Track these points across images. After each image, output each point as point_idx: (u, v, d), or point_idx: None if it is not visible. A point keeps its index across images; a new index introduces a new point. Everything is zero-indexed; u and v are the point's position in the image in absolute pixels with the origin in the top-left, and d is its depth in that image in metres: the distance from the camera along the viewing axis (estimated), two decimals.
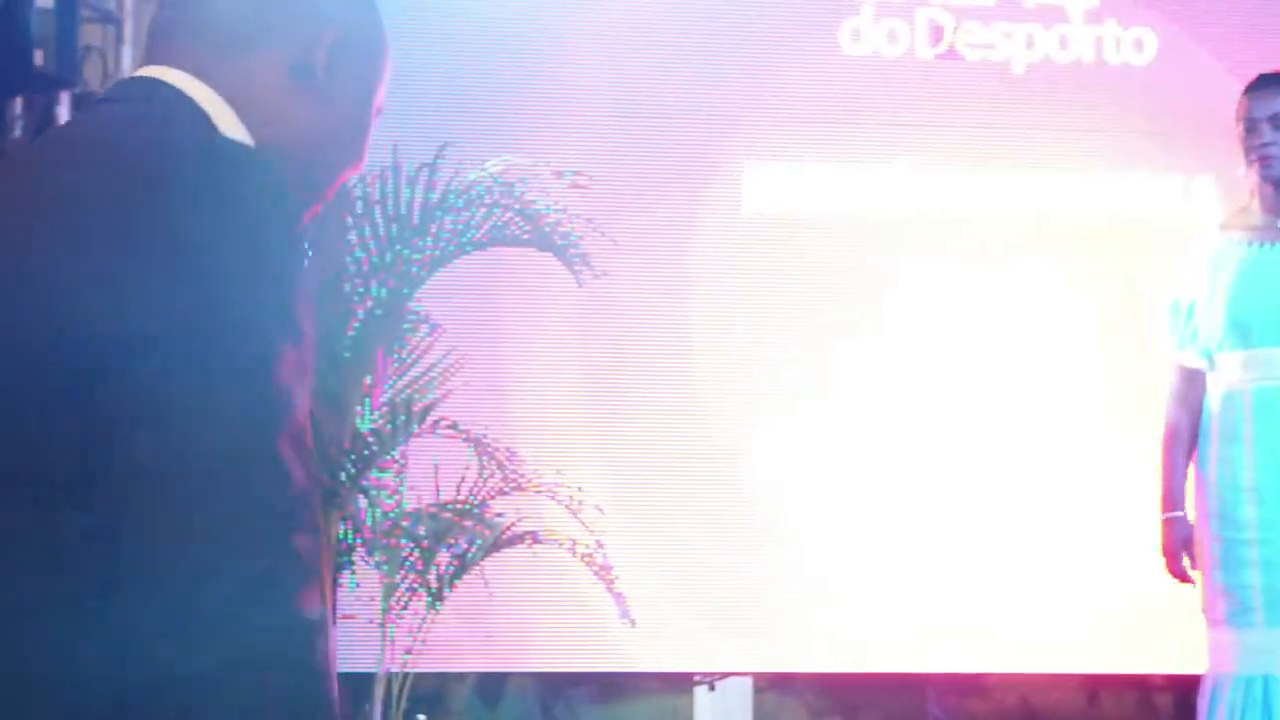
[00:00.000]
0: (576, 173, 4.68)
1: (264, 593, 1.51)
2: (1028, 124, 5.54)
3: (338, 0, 1.72)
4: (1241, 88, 4.19)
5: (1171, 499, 4.10)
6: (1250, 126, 4.07)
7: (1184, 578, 4.09)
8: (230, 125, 1.64)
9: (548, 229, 4.60)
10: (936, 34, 5.52)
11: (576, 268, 4.57)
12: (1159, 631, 5.27)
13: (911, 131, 5.48)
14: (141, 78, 1.67)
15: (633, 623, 4.82)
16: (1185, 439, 4.10)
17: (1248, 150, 4.08)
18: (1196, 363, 4.10)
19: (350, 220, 4.45)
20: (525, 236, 4.55)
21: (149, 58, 1.70)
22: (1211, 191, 5.52)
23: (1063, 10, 5.57)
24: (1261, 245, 4.05)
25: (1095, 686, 6.10)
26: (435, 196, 4.49)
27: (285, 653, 1.52)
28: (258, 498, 1.52)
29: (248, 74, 1.66)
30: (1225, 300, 4.03)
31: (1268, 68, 5.70)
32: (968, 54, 5.53)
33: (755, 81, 5.41)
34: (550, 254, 4.58)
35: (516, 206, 4.53)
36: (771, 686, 5.72)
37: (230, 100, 1.64)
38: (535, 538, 4.78)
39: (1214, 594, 4.02)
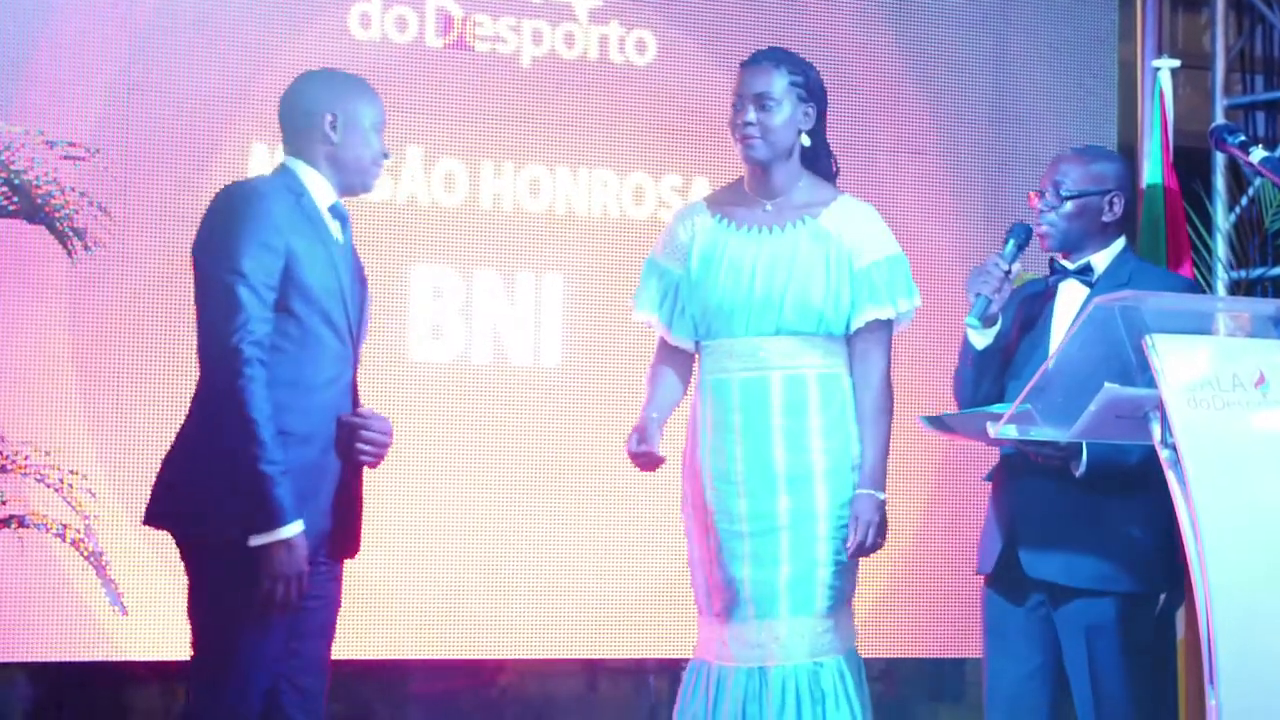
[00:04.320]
0: (71, 143, 4.55)
1: None
2: (534, 118, 5.64)
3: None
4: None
5: (650, 403, 4.03)
6: (738, 103, 3.98)
7: (647, 460, 3.95)
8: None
9: (44, 202, 4.45)
10: (447, 24, 5.57)
11: (69, 241, 4.44)
12: (653, 618, 5.45)
13: (421, 120, 5.51)
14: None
15: (124, 611, 4.70)
16: (668, 376, 4.07)
17: (733, 127, 3.99)
18: (685, 344, 4.07)
19: None
20: (12, 207, 4.39)
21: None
22: (707, 191, 5.74)
23: (570, 8, 5.70)
24: (750, 229, 4.01)
25: (594, 670, 6.25)
26: None
27: None
28: None
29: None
30: (713, 287, 3.99)
31: None
32: (477, 45, 5.59)
33: (262, 62, 5.34)
34: (41, 226, 4.44)
35: (3, 176, 4.36)
36: None
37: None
38: (21, 521, 4.61)
39: (711, 588, 4.00)
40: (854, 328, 3.98)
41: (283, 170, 3.63)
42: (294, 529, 3.42)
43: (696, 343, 4.07)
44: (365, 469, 3.61)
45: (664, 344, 4.11)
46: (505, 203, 5.63)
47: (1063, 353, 3.51)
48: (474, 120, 5.59)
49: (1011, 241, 4.03)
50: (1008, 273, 4.00)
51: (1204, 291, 5.24)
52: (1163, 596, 4.23)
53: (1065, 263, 4.15)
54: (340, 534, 3.60)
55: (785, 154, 3.99)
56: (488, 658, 5.74)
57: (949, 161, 6.06)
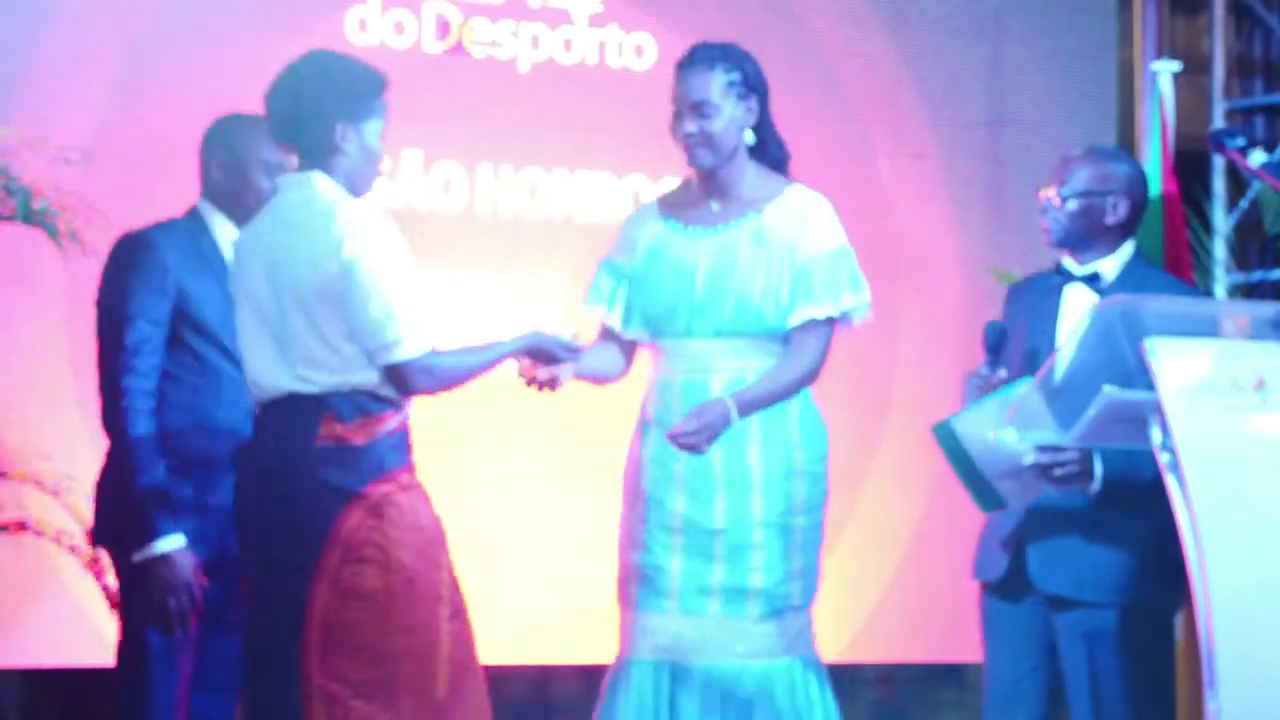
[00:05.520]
0: (68, 147, 4.55)
1: None
2: (532, 122, 5.64)
3: None
4: None
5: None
6: (677, 111, 3.89)
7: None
8: None
9: (41, 205, 4.45)
10: (444, 28, 5.57)
11: (66, 245, 4.44)
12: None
13: (417, 125, 5.51)
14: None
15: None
16: (600, 345, 3.98)
17: (675, 136, 3.90)
18: (640, 337, 3.98)
19: None
20: (8, 212, 4.39)
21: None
22: None
23: (567, 13, 5.70)
24: (695, 228, 3.94)
25: (591, 676, 6.23)
26: None
27: None
28: None
29: None
30: (658, 289, 3.91)
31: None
32: (475, 50, 5.59)
33: (260, 66, 5.32)
34: (37, 229, 4.44)
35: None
36: None
37: None
38: (21, 526, 4.61)
39: (630, 576, 3.92)
40: (789, 325, 3.86)
41: (190, 212, 3.96)
42: (170, 543, 3.70)
43: (651, 342, 3.98)
44: None
45: (608, 330, 4.00)
46: (504, 207, 5.62)
47: (1064, 356, 3.51)
48: (472, 125, 5.59)
49: (989, 351, 4.03)
50: (996, 379, 3.97)
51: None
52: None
53: (1072, 266, 4.14)
54: None
55: (729, 156, 3.90)
56: (487, 664, 5.72)
57: (950, 164, 6.05)
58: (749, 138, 3.92)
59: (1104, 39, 6.28)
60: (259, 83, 5.29)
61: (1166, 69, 5.93)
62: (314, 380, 3.40)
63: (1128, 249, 4.14)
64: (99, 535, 3.88)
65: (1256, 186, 6.19)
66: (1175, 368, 3.34)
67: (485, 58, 5.61)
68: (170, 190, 5.16)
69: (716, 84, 3.87)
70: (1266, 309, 3.65)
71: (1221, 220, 6.29)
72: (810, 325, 3.86)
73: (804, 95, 5.81)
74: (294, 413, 3.40)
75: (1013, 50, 6.14)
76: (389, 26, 5.51)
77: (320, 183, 3.49)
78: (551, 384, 3.80)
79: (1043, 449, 3.82)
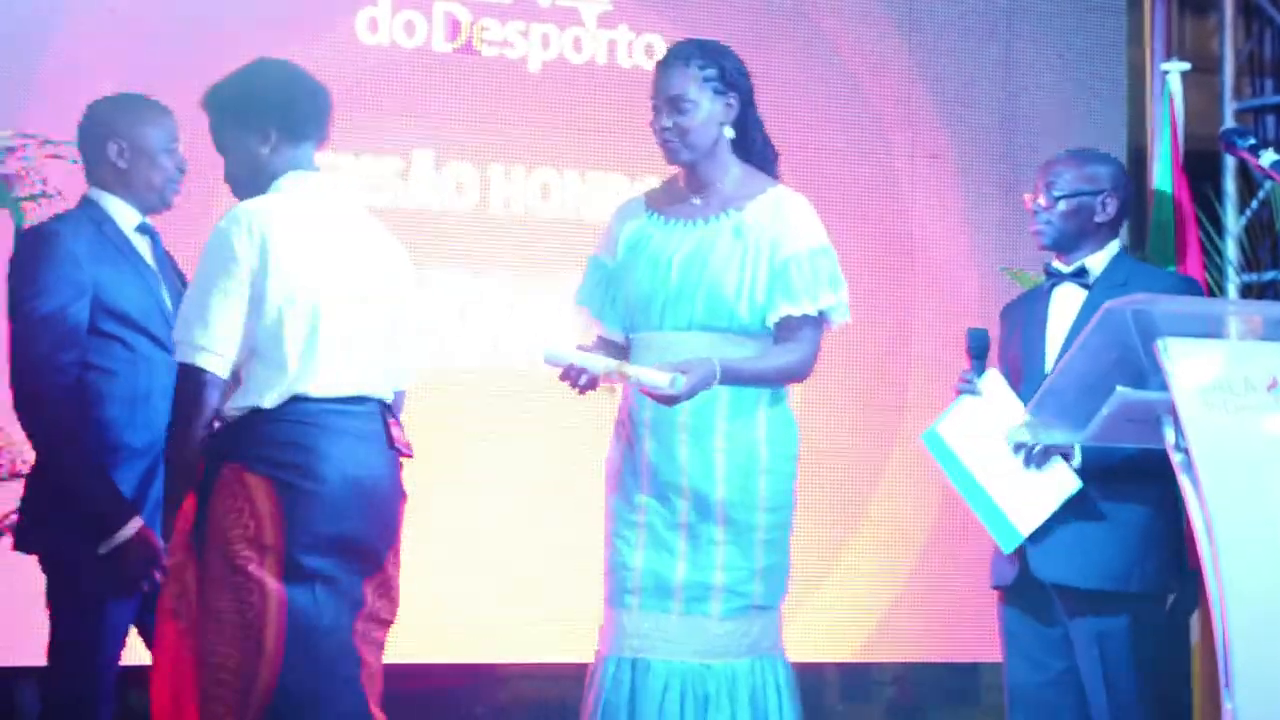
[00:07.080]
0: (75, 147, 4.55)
1: None
2: (544, 122, 5.64)
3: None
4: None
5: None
6: (655, 106, 3.89)
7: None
8: None
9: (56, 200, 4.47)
10: (454, 28, 5.57)
11: None
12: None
13: (426, 124, 5.51)
14: None
15: None
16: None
17: (654, 131, 3.91)
18: (618, 338, 3.97)
19: None
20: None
21: None
22: None
23: (577, 12, 5.70)
24: (675, 222, 3.92)
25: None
26: None
27: None
28: None
29: None
30: (634, 279, 3.90)
31: (771, 75, 5.98)
32: (484, 50, 5.60)
33: None
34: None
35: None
36: None
37: None
38: None
39: (607, 572, 3.92)
40: (769, 323, 3.85)
41: (85, 202, 3.83)
42: (133, 526, 3.67)
43: (628, 338, 3.96)
44: None
45: (599, 340, 3.99)
46: (516, 207, 5.63)
47: (1074, 356, 3.51)
48: (484, 125, 5.60)
49: (972, 358, 4.11)
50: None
51: (1204, 291, 5.25)
52: (1171, 597, 4.24)
53: (1060, 266, 4.20)
54: None
55: (708, 151, 3.88)
56: (497, 662, 5.73)
57: (964, 165, 6.06)
58: (729, 134, 3.90)
59: (1114, 39, 6.28)
60: None
61: (1176, 69, 5.92)
62: (389, 392, 3.47)
63: (1114, 246, 4.20)
64: (27, 541, 3.82)
65: (1268, 186, 6.19)
66: (1189, 367, 3.34)
67: (495, 57, 5.61)
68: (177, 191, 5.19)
69: (693, 79, 3.85)
70: (1279, 309, 3.66)
71: (1233, 220, 6.29)
72: (793, 322, 3.84)
73: (818, 97, 5.80)
74: (371, 416, 3.41)
75: (1024, 50, 6.15)
76: (399, 27, 5.52)
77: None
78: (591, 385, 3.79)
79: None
